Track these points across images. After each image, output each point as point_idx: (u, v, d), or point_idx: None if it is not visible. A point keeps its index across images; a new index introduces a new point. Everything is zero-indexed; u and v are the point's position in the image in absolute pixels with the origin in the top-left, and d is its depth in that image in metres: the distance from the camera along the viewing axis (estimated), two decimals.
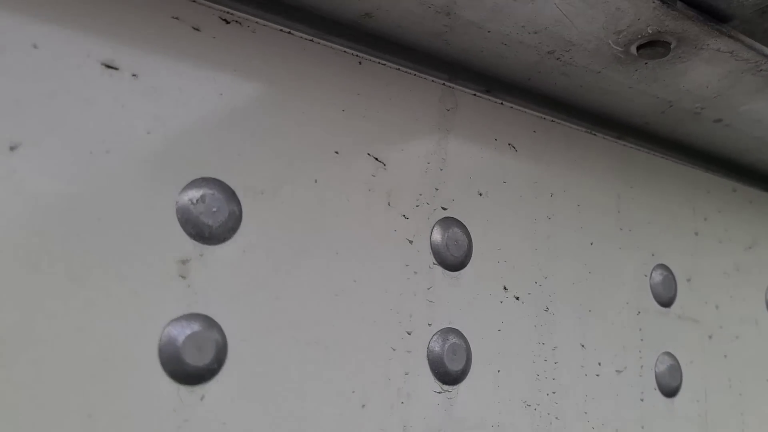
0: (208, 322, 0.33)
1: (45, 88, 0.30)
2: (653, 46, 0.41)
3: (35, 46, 0.30)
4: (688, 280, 0.55)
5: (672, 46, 0.41)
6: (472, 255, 0.43)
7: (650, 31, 0.40)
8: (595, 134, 0.51)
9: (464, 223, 0.43)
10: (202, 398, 0.32)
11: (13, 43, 0.30)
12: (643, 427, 0.49)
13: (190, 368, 0.32)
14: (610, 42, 0.41)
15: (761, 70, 0.44)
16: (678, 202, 0.56)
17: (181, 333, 0.32)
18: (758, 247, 0.61)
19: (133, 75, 0.33)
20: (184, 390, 0.32)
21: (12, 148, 0.29)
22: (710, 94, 0.48)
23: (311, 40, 0.39)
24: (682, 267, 0.55)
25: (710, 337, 0.55)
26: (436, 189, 0.42)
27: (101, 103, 0.32)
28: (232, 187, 0.35)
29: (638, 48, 0.41)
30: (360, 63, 0.40)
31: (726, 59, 0.43)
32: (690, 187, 0.57)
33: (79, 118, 0.31)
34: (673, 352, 0.52)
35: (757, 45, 0.42)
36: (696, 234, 0.57)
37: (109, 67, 0.32)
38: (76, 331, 0.29)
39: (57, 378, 0.29)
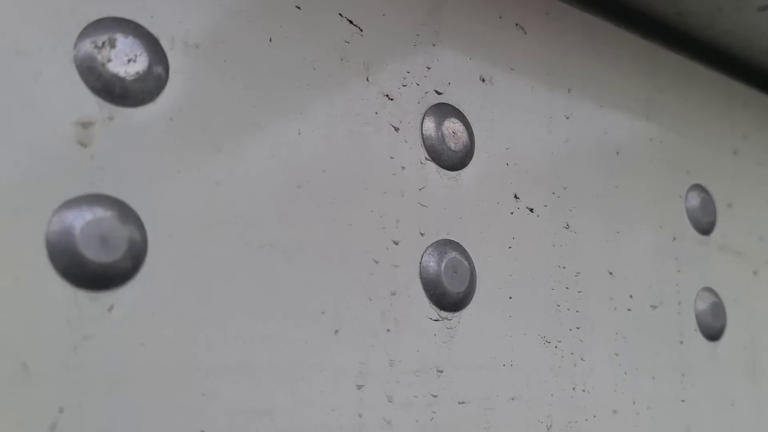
0: (119, 206, 0.24)
1: None
2: None
3: None
4: (729, 206, 0.46)
5: None
6: (474, 152, 0.34)
7: None
8: (616, 25, 0.43)
9: (464, 113, 0.34)
10: (110, 308, 0.23)
11: None
12: (683, 375, 0.40)
13: (93, 266, 0.23)
14: None
15: None
16: (714, 115, 0.48)
17: (78, 218, 0.23)
18: None
19: None
20: (83, 296, 0.23)
21: None
22: None
23: None
24: (721, 190, 0.46)
25: (755, 272, 0.47)
26: (428, 68, 0.33)
27: None
28: (155, 35, 0.26)
29: None
30: None
31: None
32: (726, 99, 0.49)
33: None
34: (714, 288, 0.44)
35: None
36: (735, 153, 0.48)
37: None
38: None
39: None
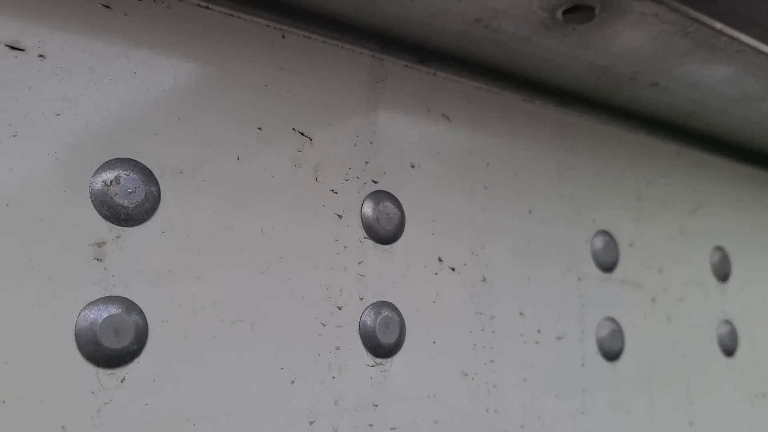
0: (127, 304, 0.32)
1: None
2: (578, 11, 0.41)
3: None
4: (631, 245, 0.55)
5: (596, 11, 0.41)
6: (405, 228, 0.43)
7: None
8: (532, 102, 0.51)
9: (396, 196, 0.43)
10: (122, 380, 0.32)
11: None
12: (584, 391, 0.50)
13: (109, 351, 0.32)
14: (535, 8, 0.41)
15: (688, 32, 0.44)
16: (620, 167, 0.57)
17: (98, 316, 0.32)
18: (703, 209, 0.62)
19: (40, 56, 0.32)
20: (103, 373, 0.31)
21: None
22: (643, 58, 0.48)
23: (231, 15, 0.38)
24: (625, 232, 0.55)
25: (653, 300, 0.56)
26: (366, 162, 0.42)
27: (7, 86, 0.31)
28: (149, 167, 0.34)
29: (563, 13, 0.41)
30: (283, 36, 0.40)
31: (653, 22, 0.43)
32: (632, 152, 0.58)
33: None
34: (615, 317, 0.53)
35: (681, 7, 0.42)
36: (638, 199, 0.57)
37: (13, 48, 0.31)
38: None
39: None
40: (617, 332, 0.52)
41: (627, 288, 0.54)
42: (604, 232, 0.54)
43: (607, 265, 0.53)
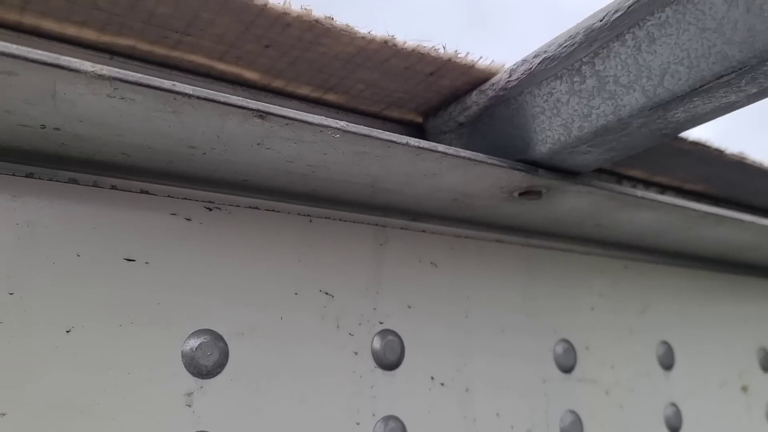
0: None
1: (89, 280, 0.43)
2: (530, 193, 0.55)
3: (78, 255, 0.43)
4: (587, 348, 0.69)
5: (543, 192, 0.55)
6: (405, 355, 0.56)
7: (524, 186, 0.54)
8: (501, 242, 0.65)
9: (397, 332, 0.56)
10: None
11: (63, 253, 0.43)
12: None
13: None
14: (497, 192, 0.55)
15: (616, 198, 0.58)
16: (575, 284, 0.70)
17: None
18: (649, 311, 0.76)
19: (146, 263, 0.46)
20: None
21: (68, 331, 0.42)
22: (585, 213, 0.62)
23: (273, 210, 0.52)
24: (581, 338, 0.69)
25: (607, 392, 0.69)
26: (374, 309, 0.55)
27: (125, 293, 0.45)
28: (221, 333, 0.48)
29: (519, 194, 0.55)
30: (310, 221, 0.54)
31: (587, 196, 0.57)
32: (585, 270, 0.72)
33: (109, 298, 0.44)
34: (575, 409, 0.66)
35: (607, 185, 0.56)
36: (592, 309, 0.71)
37: (129, 260, 0.45)
38: None
39: None
40: (576, 422, 0.65)
41: (584, 384, 0.67)
42: (564, 340, 0.67)
43: (567, 367, 0.67)
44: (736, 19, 0.38)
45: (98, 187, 0.45)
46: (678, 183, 0.74)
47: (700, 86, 0.41)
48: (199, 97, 0.37)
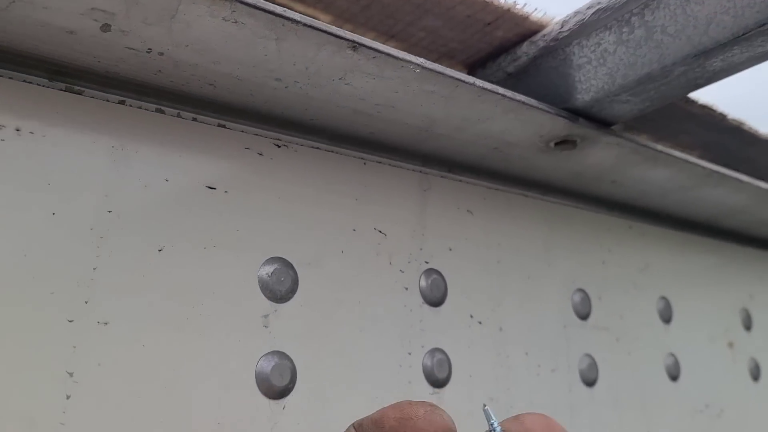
0: (284, 356, 0.48)
1: (177, 204, 0.45)
2: (565, 143, 0.60)
3: (166, 180, 0.46)
4: (600, 298, 0.74)
5: (578, 142, 0.60)
6: (448, 294, 0.60)
7: (563, 135, 0.58)
8: (527, 196, 0.70)
9: (441, 272, 0.60)
10: (284, 408, 0.48)
11: (153, 177, 0.45)
12: (571, 410, 0.67)
13: (276, 388, 0.47)
14: (537, 141, 0.59)
15: (638, 152, 0.63)
16: (589, 240, 0.75)
17: (268, 364, 0.47)
18: (649, 269, 0.81)
19: (225, 191, 0.48)
20: (273, 403, 0.47)
21: (160, 250, 0.44)
22: (606, 167, 0.67)
23: (332, 151, 0.55)
24: (595, 289, 0.73)
25: (617, 339, 0.74)
26: (420, 249, 0.59)
27: (207, 215, 0.47)
28: (291, 262, 0.50)
29: (555, 144, 0.60)
30: (365, 164, 0.57)
31: (614, 148, 0.62)
32: (597, 228, 0.76)
33: (195, 223, 0.46)
34: (591, 354, 0.71)
35: (634, 138, 0.61)
36: (603, 263, 0.76)
37: (210, 188, 0.48)
38: (202, 367, 0.45)
39: (186, 397, 0.44)
40: (593, 365, 0.70)
41: (598, 331, 0.72)
42: (581, 290, 0.72)
43: (584, 314, 0.71)
44: None
45: (181, 117, 0.47)
46: (680, 149, 0.79)
47: (742, 34, 0.46)
48: (305, 24, 0.40)
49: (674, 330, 0.82)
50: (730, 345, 0.90)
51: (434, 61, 0.52)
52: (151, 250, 0.44)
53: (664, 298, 0.82)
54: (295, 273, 0.50)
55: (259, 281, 0.49)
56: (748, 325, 0.94)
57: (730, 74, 0.51)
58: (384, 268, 0.56)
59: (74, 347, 0.40)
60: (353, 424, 0.39)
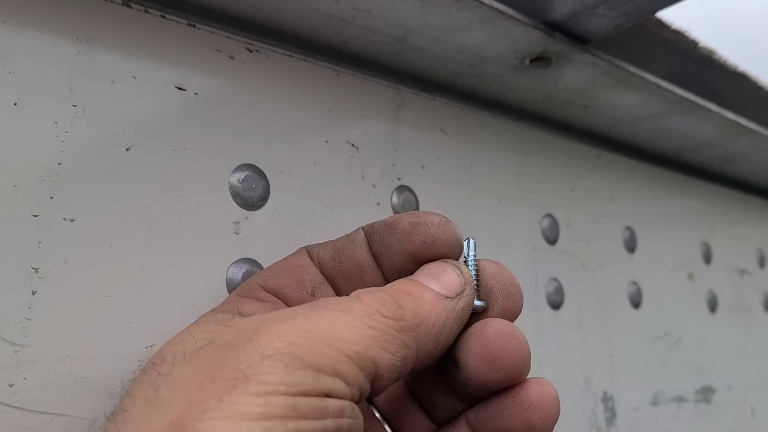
0: (255, 263, 0.48)
1: (145, 103, 0.44)
2: (540, 59, 0.59)
3: (134, 77, 0.44)
4: (567, 224, 0.74)
5: (553, 60, 0.59)
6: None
7: (538, 51, 0.58)
8: (499, 119, 0.69)
9: (413, 189, 0.59)
10: None
11: (120, 73, 0.43)
12: (537, 331, 0.68)
13: None
14: (511, 57, 0.58)
15: (611, 73, 0.63)
16: (558, 167, 0.75)
17: (239, 271, 0.47)
18: (616, 198, 0.82)
19: (195, 93, 0.47)
20: None
21: (128, 149, 0.43)
22: (579, 89, 0.66)
23: (305, 60, 0.54)
24: (563, 215, 0.74)
25: (583, 265, 0.75)
26: (393, 165, 0.58)
27: (177, 114, 0.46)
28: (263, 170, 0.49)
29: (530, 61, 0.59)
30: (338, 75, 0.56)
31: (588, 67, 0.61)
32: (568, 156, 0.77)
33: (163, 123, 0.45)
34: (557, 278, 0.72)
35: (608, 58, 0.61)
36: (572, 190, 0.76)
37: (179, 89, 0.46)
38: (171, 270, 0.44)
39: (155, 299, 0.43)
40: (559, 289, 0.71)
41: (565, 256, 0.73)
42: (549, 215, 0.72)
43: (552, 239, 0.72)
44: None
45: (149, 13, 0.45)
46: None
47: None
48: None
49: (638, 259, 0.84)
50: (690, 277, 0.92)
51: None
52: (118, 148, 0.43)
53: (629, 228, 0.83)
54: (267, 181, 0.50)
55: (230, 187, 0.48)
56: (708, 259, 0.97)
57: None
58: (356, 181, 0.55)
59: (39, 242, 0.39)
60: (362, 227, 0.40)
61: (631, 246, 0.83)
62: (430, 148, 0.62)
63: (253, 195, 0.48)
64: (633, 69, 0.63)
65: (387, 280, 0.38)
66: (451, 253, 0.37)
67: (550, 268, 0.71)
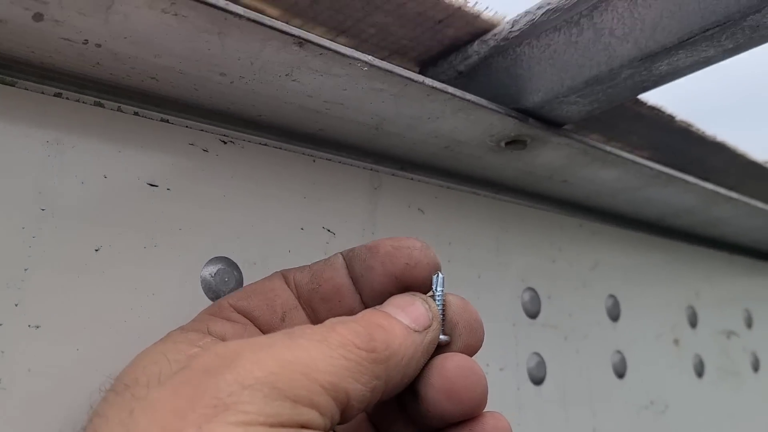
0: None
1: (116, 202, 0.44)
2: (516, 142, 0.59)
3: (105, 176, 0.44)
4: (549, 297, 0.74)
5: (528, 142, 0.60)
6: None
7: (513, 135, 0.58)
8: (478, 194, 0.70)
9: None
10: None
11: (91, 174, 0.43)
12: (519, 409, 0.67)
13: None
14: (487, 140, 0.59)
15: (587, 153, 0.64)
16: (540, 238, 0.76)
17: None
18: (599, 267, 0.82)
19: (168, 189, 0.47)
20: None
21: (96, 250, 0.43)
22: (556, 167, 0.67)
23: (280, 148, 0.54)
24: (545, 287, 0.74)
25: (566, 338, 0.75)
26: None
27: (149, 217, 0.46)
28: (236, 262, 0.49)
29: (506, 144, 0.60)
30: (314, 161, 0.56)
31: (563, 148, 0.62)
32: (548, 227, 0.77)
33: (135, 221, 0.45)
34: (539, 352, 0.71)
35: (583, 138, 0.61)
36: (553, 261, 0.76)
37: (151, 185, 0.46)
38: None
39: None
40: (541, 363, 0.71)
41: (547, 330, 0.73)
42: (530, 288, 0.72)
43: (533, 313, 0.72)
44: None
45: (122, 112, 0.46)
46: (630, 149, 0.80)
47: (687, 38, 0.46)
48: (248, 19, 0.39)
49: (622, 327, 0.83)
50: (676, 342, 0.92)
51: (385, 58, 0.51)
52: (87, 249, 0.42)
53: (612, 296, 0.83)
54: (240, 273, 0.49)
55: (202, 282, 0.47)
56: (693, 322, 0.97)
57: (676, 78, 0.52)
58: None
59: (2, 352, 0.38)
60: (341, 252, 0.42)
61: (614, 315, 0.83)
62: (408, 228, 0.62)
63: (225, 289, 0.48)
64: (609, 148, 0.64)
65: (365, 304, 0.39)
66: (431, 276, 0.40)
67: (531, 343, 0.71)
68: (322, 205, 0.56)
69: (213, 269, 0.48)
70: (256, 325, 0.39)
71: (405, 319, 0.35)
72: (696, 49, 0.48)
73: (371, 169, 0.60)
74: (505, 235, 0.71)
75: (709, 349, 0.98)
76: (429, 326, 0.36)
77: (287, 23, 0.49)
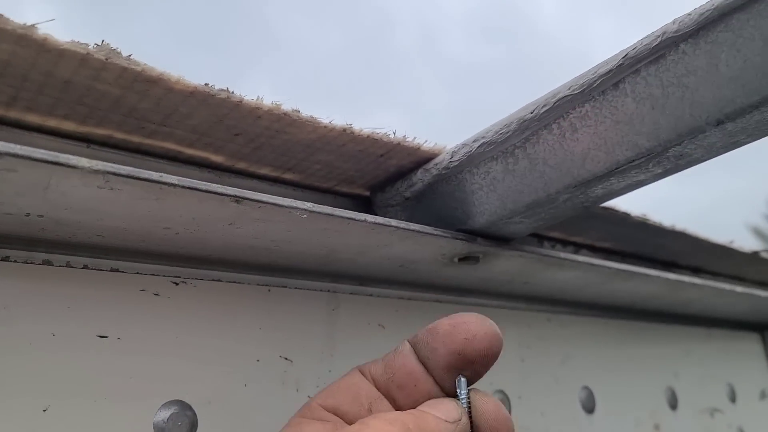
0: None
1: (64, 358, 0.45)
2: (468, 258, 0.61)
3: (53, 334, 0.45)
4: (519, 398, 0.74)
5: (480, 257, 0.61)
6: None
7: (464, 253, 0.59)
8: (440, 301, 0.70)
9: None
10: None
11: (39, 334, 0.44)
12: None
13: None
14: (439, 258, 0.60)
15: (542, 260, 0.65)
16: (507, 338, 0.76)
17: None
18: (570, 360, 0.82)
19: (118, 338, 0.48)
20: None
21: (44, 410, 0.43)
22: (515, 273, 0.68)
23: (234, 282, 0.55)
24: (515, 389, 0.74)
25: None
26: (329, 371, 0.59)
27: (99, 369, 0.46)
28: (189, 403, 0.50)
29: (459, 260, 0.61)
30: (269, 291, 0.57)
31: (516, 258, 0.63)
32: (515, 324, 0.78)
33: (84, 375, 0.45)
34: None
35: (535, 249, 0.63)
36: (522, 360, 0.77)
37: (101, 336, 0.47)
38: None
39: None
40: None
41: (518, 430, 0.73)
42: (500, 391, 0.72)
43: None
44: (643, 115, 0.45)
45: (71, 267, 0.47)
46: (591, 242, 0.82)
47: (615, 168, 0.48)
48: (183, 186, 0.41)
49: (598, 419, 0.83)
50: (657, 427, 0.91)
51: (334, 187, 0.53)
52: (35, 410, 0.43)
53: (586, 387, 0.83)
54: (194, 414, 0.50)
55: (154, 429, 0.48)
56: (674, 405, 0.96)
57: (613, 197, 0.54)
58: (290, 396, 0.56)
59: None
60: (407, 339, 0.45)
61: (589, 407, 0.83)
62: (369, 345, 0.63)
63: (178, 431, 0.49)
64: (563, 255, 0.65)
65: (438, 384, 0.42)
66: (493, 345, 0.43)
67: None
68: (278, 333, 0.57)
69: (166, 414, 0.48)
70: (345, 420, 0.42)
71: (437, 413, 0.39)
72: (627, 176, 0.49)
73: (329, 291, 0.61)
74: None
75: (692, 430, 0.97)
76: (459, 419, 0.39)
77: (232, 166, 0.51)
